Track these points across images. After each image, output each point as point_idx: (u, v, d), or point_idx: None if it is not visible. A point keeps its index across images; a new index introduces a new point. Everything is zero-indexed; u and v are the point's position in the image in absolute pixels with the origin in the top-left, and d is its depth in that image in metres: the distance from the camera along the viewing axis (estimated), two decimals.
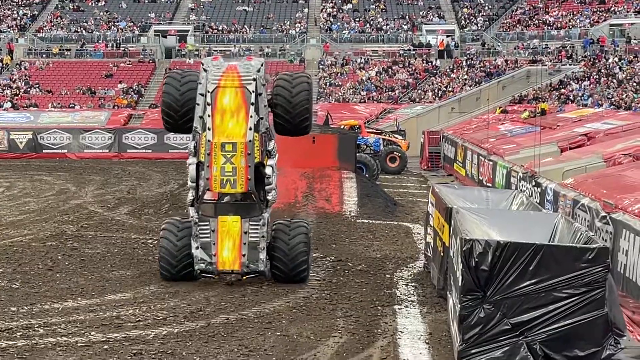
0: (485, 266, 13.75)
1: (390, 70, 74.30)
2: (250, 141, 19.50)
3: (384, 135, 48.48)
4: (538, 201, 24.95)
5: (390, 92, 70.50)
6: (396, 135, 49.31)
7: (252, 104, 19.67)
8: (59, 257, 23.51)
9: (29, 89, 72.64)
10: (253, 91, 19.74)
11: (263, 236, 19.79)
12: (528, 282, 13.75)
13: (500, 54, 75.22)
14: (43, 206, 33.82)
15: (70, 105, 68.47)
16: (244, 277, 20.00)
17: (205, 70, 20.02)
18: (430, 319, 17.75)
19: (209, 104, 19.68)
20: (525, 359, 13.78)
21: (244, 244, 19.66)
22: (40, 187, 40.27)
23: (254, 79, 19.84)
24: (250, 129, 19.58)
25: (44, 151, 55.82)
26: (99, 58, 78.22)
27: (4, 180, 42.88)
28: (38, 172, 47.14)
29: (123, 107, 68.28)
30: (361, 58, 76.68)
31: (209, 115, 19.63)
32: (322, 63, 76.21)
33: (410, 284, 20.84)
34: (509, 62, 72.17)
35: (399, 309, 18.56)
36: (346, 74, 74.34)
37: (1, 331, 16.56)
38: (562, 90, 61.28)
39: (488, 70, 71.00)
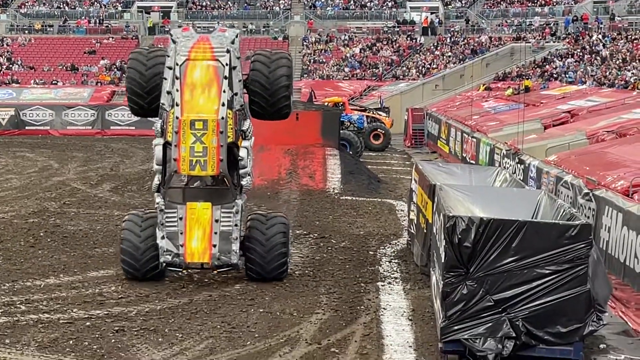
0: (468, 243, 13.71)
1: (374, 47, 74.17)
2: (222, 118, 17.56)
3: (368, 113, 48.42)
4: (521, 178, 24.97)
5: (374, 69, 70.40)
6: (380, 113, 49.26)
7: (226, 78, 17.87)
8: (41, 234, 23.40)
9: (11, 65, 72.23)
10: (226, 64, 17.94)
11: (236, 225, 17.84)
12: (511, 259, 13.71)
13: (484, 31, 75.13)
14: (25, 183, 33.65)
15: (53, 82, 68.10)
16: (215, 271, 18.42)
17: (174, 42, 18.26)
18: (413, 295, 17.77)
19: (177, 78, 17.82)
20: (508, 335, 13.77)
21: (215, 233, 17.68)
22: (22, 163, 40.07)
23: (228, 51, 18.05)
24: (223, 105, 17.67)
25: (26, 128, 55.55)
26: (82, 34, 77.76)
27: None
28: (20, 148, 46.91)
29: (106, 83, 67.94)
30: (345, 35, 76.49)
31: (177, 90, 17.74)
32: (306, 40, 76.00)
33: (393, 261, 20.85)
34: (492, 39, 72.10)
35: (382, 285, 18.58)
36: (330, 51, 74.18)
37: None
38: (546, 67, 61.29)
39: (472, 47, 70.92)
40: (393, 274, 19.64)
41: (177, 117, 17.56)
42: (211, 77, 17.92)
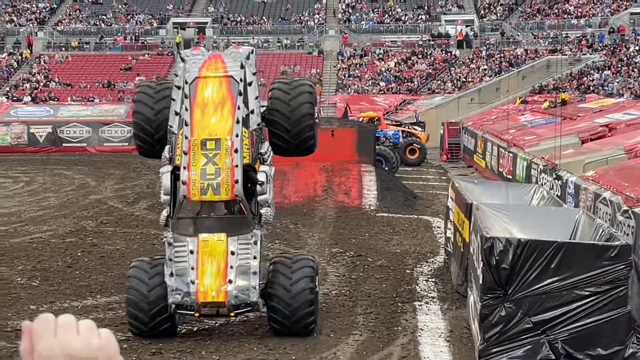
0: (506, 264, 13.63)
1: (409, 61, 74.07)
2: (237, 136, 15.72)
3: (404, 127, 48.29)
4: (559, 194, 24.75)
5: (409, 83, 70.29)
6: (415, 127, 49.10)
7: (240, 94, 16.15)
8: (79, 254, 23.51)
9: (48, 83, 72.82)
10: (241, 80, 16.26)
11: (255, 257, 15.44)
12: (549, 280, 13.64)
13: (520, 44, 74.80)
14: (63, 201, 33.84)
15: (90, 99, 68.57)
16: (232, 314, 15.56)
17: (183, 61, 16.89)
18: (450, 315, 17.64)
19: (186, 97, 16.10)
20: (547, 357, 13.68)
21: (231, 267, 15.30)
22: (60, 181, 40.30)
23: (242, 66, 16.44)
24: (238, 122, 15.85)
25: (63, 145, 55.85)
26: (118, 51, 78.28)
27: (23, 175, 42.91)
28: (57, 166, 47.19)
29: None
30: (380, 49, 76.43)
31: (186, 109, 16.00)
32: (340, 54, 76.02)
33: (430, 280, 20.72)
34: (528, 51, 71.77)
35: (419, 305, 18.46)
36: (365, 65, 74.15)
37: (20, 330, 16.51)
38: (583, 80, 60.89)
39: (508, 60, 70.64)
40: (430, 293, 19.51)
41: (186, 137, 15.74)
42: (224, 94, 16.20)
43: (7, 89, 71.17)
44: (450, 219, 21.29)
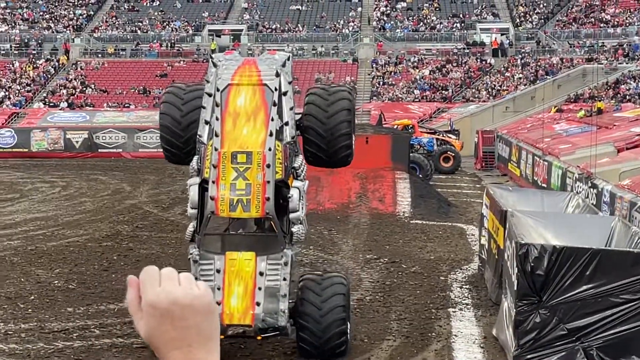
0: (541, 271, 13.65)
1: (443, 69, 73.99)
2: (270, 150, 14.85)
3: (438, 135, 48.28)
4: (594, 203, 24.69)
5: (443, 91, 70.21)
6: (450, 135, 49.07)
7: (275, 104, 15.31)
8: (115, 258, 23.72)
9: (84, 89, 73.38)
10: (276, 89, 15.42)
11: (285, 279, 14.54)
12: (585, 287, 13.64)
13: (555, 53, 74.52)
14: (99, 206, 34.13)
15: (125, 105, 69.05)
16: (260, 337, 14.58)
17: (214, 66, 16.01)
18: (484, 322, 17.64)
19: (217, 105, 15.30)
20: None
21: (259, 289, 14.35)
22: (95, 186, 40.63)
23: (277, 74, 15.58)
24: (271, 134, 14.99)
25: (99, 150, 56.28)
26: (154, 58, 78.75)
27: (60, 180, 43.31)
28: (93, 171, 47.57)
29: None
30: (415, 57, 76.38)
31: (217, 119, 15.16)
32: (375, 62, 76.06)
33: (464, 287, 20.72)
34: (564, 60, 71.48)
35: (453, 312, 18.48)
36: (399, 72, 74.14)
37: (58, 332, 16.78)
38: (619, 88, 60.58)
39: (543, 69, 70.39)
40: (464, 300, 19.52)
41: (216, 149, 14.83)
42: (258, 103, 15.36)
43: (44, 95, 71.83)
44: (484, 226, 21.29)
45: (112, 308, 18.46)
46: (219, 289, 14.18)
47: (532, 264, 13.65)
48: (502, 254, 17.04)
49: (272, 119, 15.09)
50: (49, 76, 75.38)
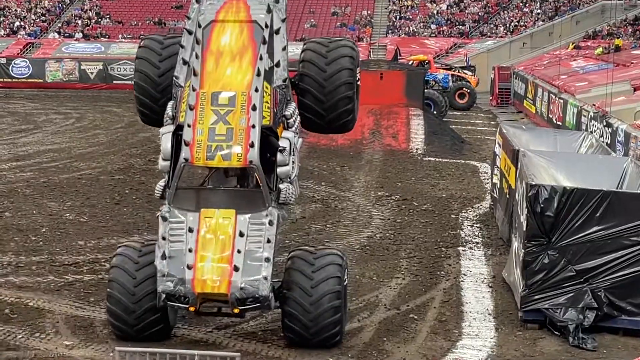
0: (550, 212, 13.58)
1: (461, 3, 73.23)
2: (256, 90, 12.87)
3: (453, 71, 47.95)
4: (609, 142, 24.55)
5: (460, 27, 69.58)
6: (466, 71, 48.74)
7: (265, 42, 13.31)
8: (127, 191, 23.76)
9: (99, 20, 73.02)
10: (267, 25, 13.46)
11: (269, 241, 12.35)
12: (594, 229, 13.58)
13: None
14: (112, 138, 34.16)
15: (140, 37, 68.71)
16: (237, 310, 12.27)
17: (197, 1, 13.91)
18: (494, 261, 17.64)
19: (198, 43, 13.33)
20: (589, 305, 13.66)
21: (238, 252, 12.18)
22: (109, 118, 40.67)
23: (269, 10, 13.60)
24: (259, 74, 12.96)
25: (114, 82, 56.27)
26: None
27: (74, 111, 43.36)
28: (108, 103, 47.56)
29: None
30: None
31: (197, 57, 13.22)
32: None
33: (475, 225, 20.70)
34: None
35: (463, 250, 18.48)
36: (417, 7, 73.44)
37: (68, 265, 16.88)
38: (638, 25, 59.89)
39: (561, 4, 69.61)
40: (474, 238, 19.51)
41: (193, 89, 12.90)
42: (245, 42, 13.39)
43: (59, 25, 71.53)
44: (497, 164, 21.20)
45: (123, 242, 18.46)
46: (190, 251, 12.18)
47: (542, 205, 13.58)
48: (513, 193, 16.97)
49: (261, 58, 13.15)
50: (64, 6, 74.96)
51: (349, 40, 14.96)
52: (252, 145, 12.51)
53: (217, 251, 12.19)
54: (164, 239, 12.38)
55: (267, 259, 12.19)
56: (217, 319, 13.70)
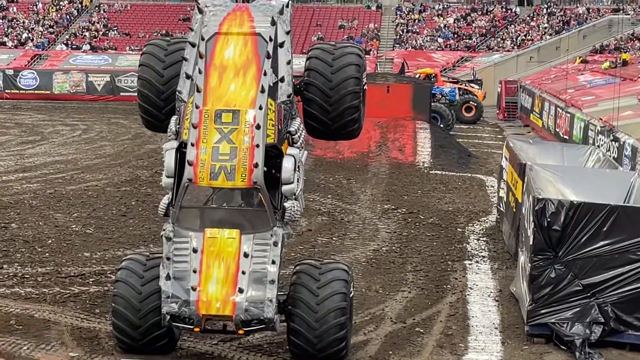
0: (557, 226, 13.56)
1: (468, 17, 73.31)
2: (260, 108, 12.56)
3: (460, 84, 47.95)
4: (616, 156, 24.52)
5: (467, 40, 69.62)
6: (472, 85, 48.73)
7: (269, 57, 12.95)
8: (133, 203, 23.77)
9: (107, 32, 73.21)
10: (271, 39, 13.09)
11: (274, 262, 12.24)
12: (601, 243, 13.54)
13: (581, 2, 73.67)
14: (119, 150, 34.20)
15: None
16: (241, 332, 12.28)
17: (200, 12, 13.52)
18: (500, 275, 17.60)
19: (201, 57, 12.99)
20: (596, 320, 13.62)
21: (243, 273, 12.09)
22: (116, 130, 40.73)
23: (273, 23, 13.20)
24: (263, 91, 12.68)
25: (121, 94, 56.34)
26: (177, 1, 78.37)
27: (81, 123, 43.44)
28: (115, 115, 47.64)
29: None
30: (439, 4, 75.68)
31: (200, 72, 12.87)
32: (399, 9, 75.42)
33: (481, 239, 20.67)
34: (590, 10, 70.66)
35: (469, 264, 18.45)
36: (424, 20, 73.52)
37: (74, 276, 16.88)
38: None
39: (569, 19, 69.65)
40: (481, 252, 19.48)
41: (197, 107, 12.60)
42: (249, 56, 13.07)
43: (67, 37, 71.72)
44: (503, 178, 21.18)
45: (128, 254, 18.49)
46: (195, 272, 12.08)
47: (549, 219, 13.55)
48: (520, 207, 16.94)
49: (265, 73, 12.82)
50: (72, 18, 75.17)
51: (355, 46, 14.56)
52: (256, 166, 12.31)
53: (222, 272, 12.08)
54: (168, 259, 12.31)
55: (272, 281, 12.07)
56: None
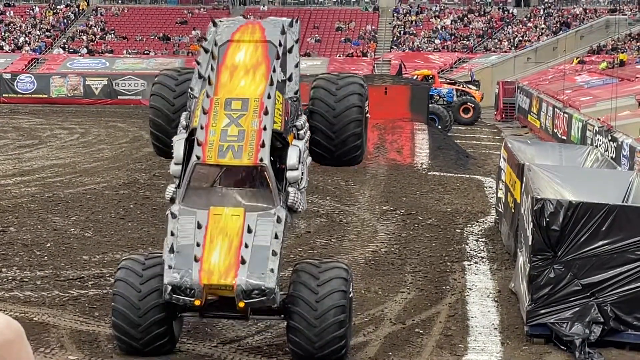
0: (556, 226, 13.55)
1: (465, 18, 73.37)
2: (269, 97, 13.14)
3: (458, 86, 47.98)
4: (614, 156, 24.52)
5: (465, 41, 69.67)
6: (470, 86, 48.75)
7: (278, 57, 13.65)
8: (131, 206, 23.76)
9: (104, 35, 73.21)
10: (280, 44, 13.76)
11: (277, 237, 12.42)
12: (600, 243, 13.55)
13: (578, 3, 73.74)
14: (116, 153, 34.20)
15: (145, 52, 68.88)
16: (242, 304, 12.10)
17: (215, 25, 14.29)
18: (499, 276, 17.60)
19: (214, 58, 13.67)
20: (595, 320, 13.62)
21: (246, 246, 12.29)
22: (114, 134, 40.70)
23: (283, 32, 13.92)
24: (272, 84, 13.29)
25: (118, 97, 56.36)
26: (174, 4, 78.42)
27: (79, 127, 43.40)
28: (112, 118, 47.61)
29: (197, 53, 68.40)
30: (436, 6, 75.75)
31: (212, 69, 13.56)
32: (396, 11, 75.47)
33: (480, 240, 20.67)
34: (587, 11, 70.72)
35: (469, 265, 18.45)
36: (421, 22, 73.58)
37: (73, 280, 16.86)
38: None
39: (566, 19, 69.71)
40: (480, 253, 19.48)
41: (208, 96, 13.18)
42: (259, 58, 13.73)
43: (64, 40, 71.72)
44: (502, 179, 21.19)
45: (127, 255, 18.49)
46: (198, 244, 12.25)
47: (548, 219, 13.56)
48: (519, 208, 16.95)
49: (274, 70, 13.41)
50: (69, 22, 75.21)
51: (358, 76, 15.32)
52: (262, 145, 12.74)
53: (225, 245, 12.31)
54: (172, 234, 12.53)
55: (274, 253, 12.24)
56: (222, 333, 13.83)
